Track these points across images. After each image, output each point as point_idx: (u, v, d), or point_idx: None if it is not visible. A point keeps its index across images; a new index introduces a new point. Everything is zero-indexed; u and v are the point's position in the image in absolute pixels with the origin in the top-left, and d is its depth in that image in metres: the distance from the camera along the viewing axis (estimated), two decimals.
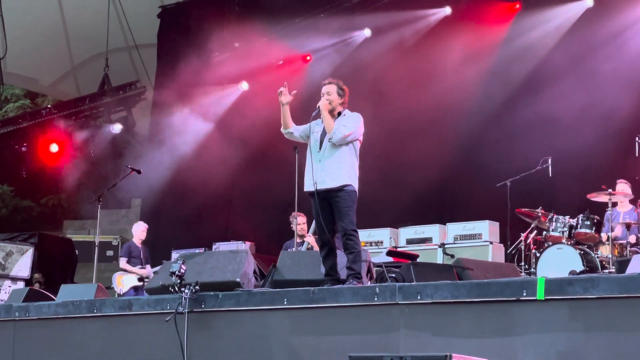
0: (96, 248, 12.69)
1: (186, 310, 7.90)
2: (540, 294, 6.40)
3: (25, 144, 17.91)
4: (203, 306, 8.02)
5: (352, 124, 8.32)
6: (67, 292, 9.79)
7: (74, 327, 8.97)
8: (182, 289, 7.95)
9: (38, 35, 18.32)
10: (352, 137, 8.29)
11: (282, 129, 8.62)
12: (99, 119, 18.31)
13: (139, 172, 12.58)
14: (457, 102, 14.49)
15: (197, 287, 8.00)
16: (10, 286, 14.80)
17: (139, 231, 13.88)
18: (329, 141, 8.26)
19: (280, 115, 8.54)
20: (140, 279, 13.30)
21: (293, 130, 8.58)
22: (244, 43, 16.35)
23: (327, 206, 8.27)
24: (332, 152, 8.28)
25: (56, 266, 16.70)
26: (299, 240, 11.59)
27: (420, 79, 14.59)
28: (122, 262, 13.60)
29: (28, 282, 15.41)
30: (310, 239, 11.34)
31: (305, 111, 8.61)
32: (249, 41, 16.26)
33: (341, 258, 8.29)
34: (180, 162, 16.28)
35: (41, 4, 17.91)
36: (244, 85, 16.98)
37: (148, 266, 13.52)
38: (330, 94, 8.38)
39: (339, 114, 8.42)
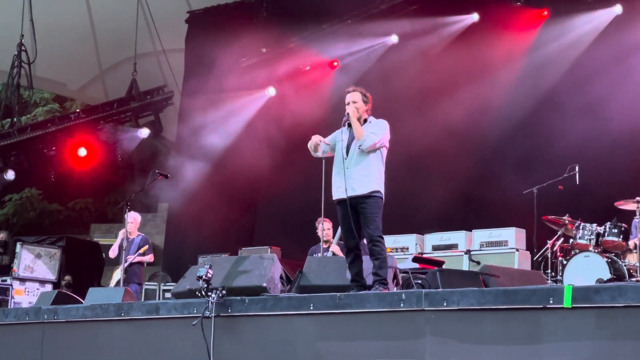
0: (123, 252, 12.74)
1: (213, 315, 7.95)
2: (567, 302, 6.39)
3: (53, 148, 18.00)
4: (230, 311, 8.05)
5: (380, 131, 8.38)
6: (95, 296, 9.88)
7: (102, 330, 9.04)
8: (209, 294, 8.00)
9: (67, 40, 18.45)
10: (380, 144, 8.36)
11: (312, 153, 8.70)
12: (126, 123, 18.40)
13: (166, 176, 12.59)
14: (484, 109, 14.45)
15: (224, 292, 8.04)
16: (38, 289, 14.94)
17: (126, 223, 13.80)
18: (359, 148, 8.31)
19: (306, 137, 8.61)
20: (125, 271, 13.26)
21: (320, 153, 8.65)
22: (272, 48, 16.37)
23: (354, 212, 8.30)
24: (359, 160, 8.33)
25: (83, 269, 16.86)
26: (324, 245, 11.60)
27: (448, 86, 14.58)
28: (110, 252, 13.50)
29: (56, 285, 15.55)
30: (335, 249, 11.36)
31: (332, 116, 8.65)
32: (277, 47, 16.30)
33: (367, 264, 8.31)
34: (206, 167, 16.33)
35: (71, 10, 18.04)
36: (271, 91, 17.00)
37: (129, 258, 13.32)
38: (356, 101, 8.45)
39: (365, 120, 8.48)
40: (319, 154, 8.69)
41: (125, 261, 13.18)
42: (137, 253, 13.14)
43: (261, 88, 17.04)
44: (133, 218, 13.67)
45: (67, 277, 16.64)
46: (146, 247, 13.18)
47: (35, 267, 15.34)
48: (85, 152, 18.02)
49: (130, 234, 13.61)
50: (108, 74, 20.01)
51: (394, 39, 15.87)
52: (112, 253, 13.38)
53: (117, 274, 13.28)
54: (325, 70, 16.48)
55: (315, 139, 8.55)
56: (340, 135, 8.53)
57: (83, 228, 23.31)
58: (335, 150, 8.54)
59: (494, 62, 14.56)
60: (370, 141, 8.29)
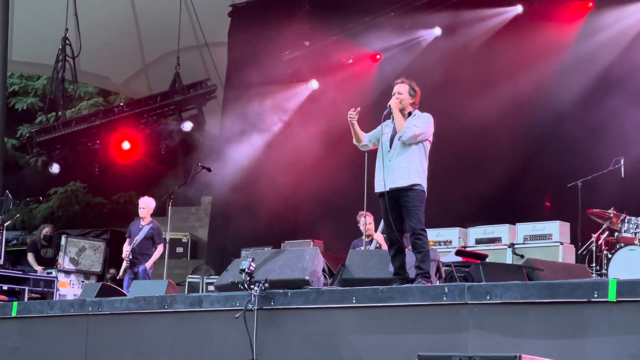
0: (167, 245, 12.82)
1: (255, 308, 7.97)
2: (612, 296, 6.33)
3: (97, 142, 18.12)
4: (272, 304, 8.07)
5: (423, 124, 8.35)
6: (139, 288, 9.96)
7: (146, 322, 9.12)
8: (252, 287, 8.02)
9: (111, 34, 18.59)
10: (422, 137, 8.32)
11: (355, 142, 8.71)
12: (170, 116, 18.49)
13: (209, 170, 12.65)
14: (528, 101, 14.34)
15: (267, 285, 8.06)
16: (83, 281, 15.09)
17: (138, 208, 13.66)
18: (399, 139, 8.30)
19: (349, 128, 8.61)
20: (130, 261, 13.19)
21: (366, 142, 8.67)
22: (314, 42, 16.35)
23: (396, 205, 8.29)
24: (402, 152, 8.32)
25: None
26: (366, 239, 11.59)
27: (491, 78, 14.48)
28: (124, 246, 13.50)
29: (100, 277, 15.69)
30: (379, 237, 11.34)
31: (374, 109, 8.63)
32: (319, 40, 16.26)
33: (410, 257, 8.29)
34: (249, 160, 16.36)
35: (114, 4, 18.18)
36: (314, 84, 16.98)
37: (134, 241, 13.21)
38: (401, 93, 8.43)
39: (410, 114, 8.45)
40: (366, 142, 8.68)
41: (133, 250, 13.22)
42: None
43: (304, 81, 17.02)
44: (145, 203, 13.49)
45: (112, 270, 16.76)
46: (161, 251, 13.15)
47: (80, 259, 15.50)
48: (129, 145, 18.13)
49: (142, 220, 13.59)
50: (151, 68, 20.12)
51: (437, 31, 15.75)
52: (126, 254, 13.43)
53: (125, 263, 13.33)
54: (368, 63, 16.42)
55: (350, 114, 8.53)
56: (384, 129, 8.52)
57: (127, 221, 23.36)
58: (380, 143, 8.53)
59: (538, 53, 14.43)
60: (411, 132, 8.27)
